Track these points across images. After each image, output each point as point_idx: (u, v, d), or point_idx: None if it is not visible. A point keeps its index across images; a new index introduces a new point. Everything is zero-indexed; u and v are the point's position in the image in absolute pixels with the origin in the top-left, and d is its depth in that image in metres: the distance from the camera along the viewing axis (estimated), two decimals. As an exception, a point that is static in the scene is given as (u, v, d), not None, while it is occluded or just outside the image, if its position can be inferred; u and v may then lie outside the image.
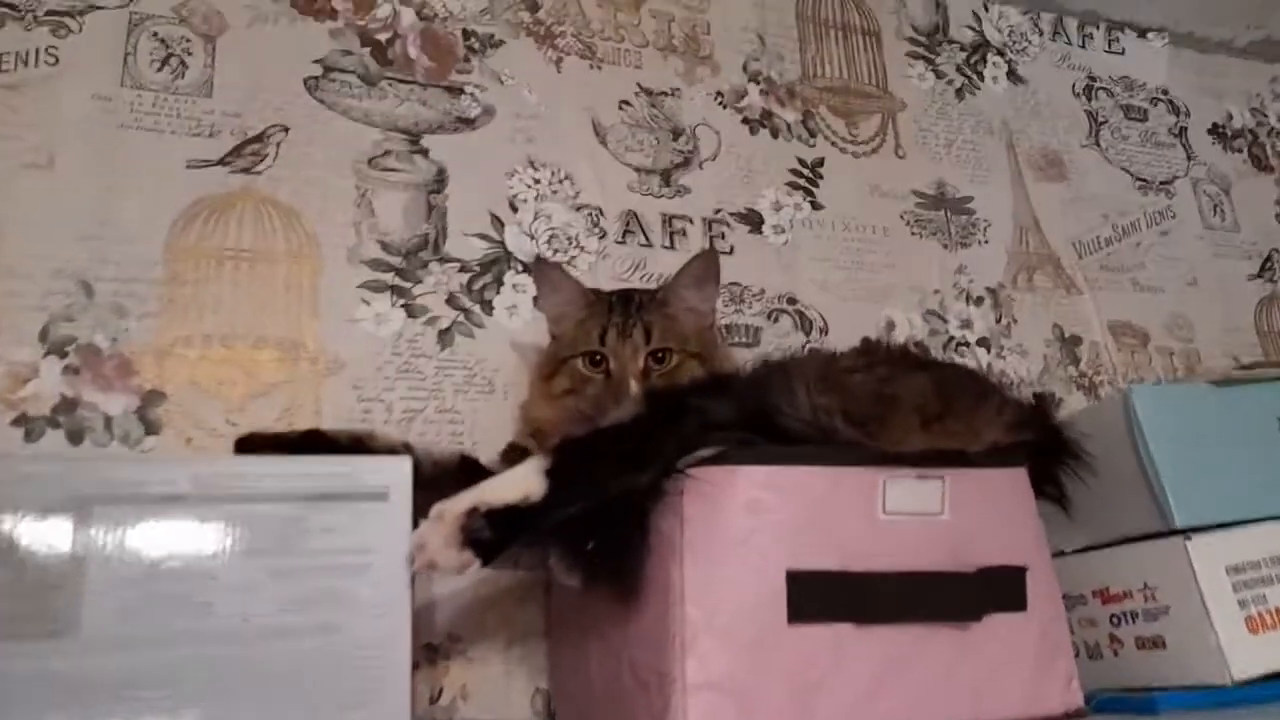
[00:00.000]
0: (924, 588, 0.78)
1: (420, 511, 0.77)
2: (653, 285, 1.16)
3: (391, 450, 0.90)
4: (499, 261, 1.20)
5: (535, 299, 1.16)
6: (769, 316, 1.30)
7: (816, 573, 0.75)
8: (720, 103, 1.41)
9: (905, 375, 0.85)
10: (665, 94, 1.38)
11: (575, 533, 0.76)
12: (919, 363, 0.98)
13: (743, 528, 0.75)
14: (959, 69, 1.59)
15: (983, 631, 0.79)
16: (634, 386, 0.93)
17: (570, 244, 1.24)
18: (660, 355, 0.96)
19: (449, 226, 1.18)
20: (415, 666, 0.95)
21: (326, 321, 1.09)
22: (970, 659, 0.78)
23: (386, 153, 1.19)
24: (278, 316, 1.08)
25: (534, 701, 1.04)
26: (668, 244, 1.28)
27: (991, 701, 0.77)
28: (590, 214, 1.26)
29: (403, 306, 1.13)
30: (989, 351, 1.40)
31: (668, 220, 1.30)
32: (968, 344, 1.39)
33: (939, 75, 1.58)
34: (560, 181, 1.26)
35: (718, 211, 1.33)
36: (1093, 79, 1.70)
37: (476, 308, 1.16)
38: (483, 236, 1.20)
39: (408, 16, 1.27)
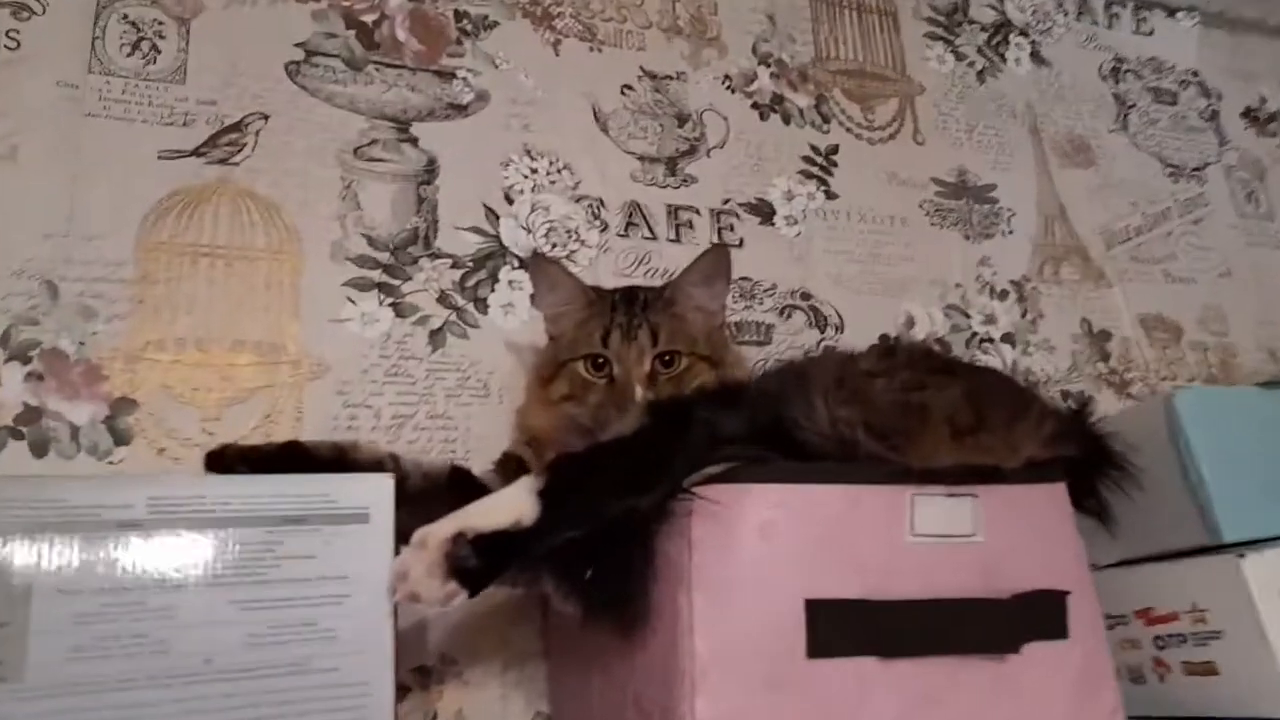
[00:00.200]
0: (956, 617, 0.72)
1: (407, 530, 0.71)
2: (657, 282, 1.12)
3: (377, 462, 0.85)
4: (494, 257, 1.14)
5: (532, 297, 1.10)
6: (781, 313, 1.24)
7: (837, 602, 0.70)
8: (728, 87, 1.36)
9: (933, 382, 0.78)
10: (670, 78, 1.33)
11: (572, 559, 0.70)
12: (945, 366, 0.91)
13: (756, 552, 0.70)
14: (980, 50, 1.54)
15: (1021, 663, 0.73)
16: (640, 392, 0.87)
17: (569, 237, 1.18)
18: (668, 358, 0.90)
19: (440, 220, 1.13)
20: (406, 691, 0.92)
21: (309, 322, 1.04)
22: (1007, 693, 0.72)
23: (373, 142, 1.14)
24: (257, 317, 1.02)
25: (533, 727, 0.98)
26: (673, 237, 1.23)
27: (1030, 739, 0.72)
28: (591, 205, 1.21)
29: (391, 305, 1.07)
30: (1014, 348, 1.34)
31: (673, 212, 1.24)
32: (991, 340, 1.34)
33: (959, 57, 1.52)
34: (559, 171, 1.21)
35: (726, 202, 1.28)
36: (1120, 60, 1.65)
37: (470, 306, 1.11)
38: (476, 230, 1.15)
39: (396, -4, 1.22)
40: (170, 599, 0.65)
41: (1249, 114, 1.69)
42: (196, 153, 1.06)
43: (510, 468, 0.91)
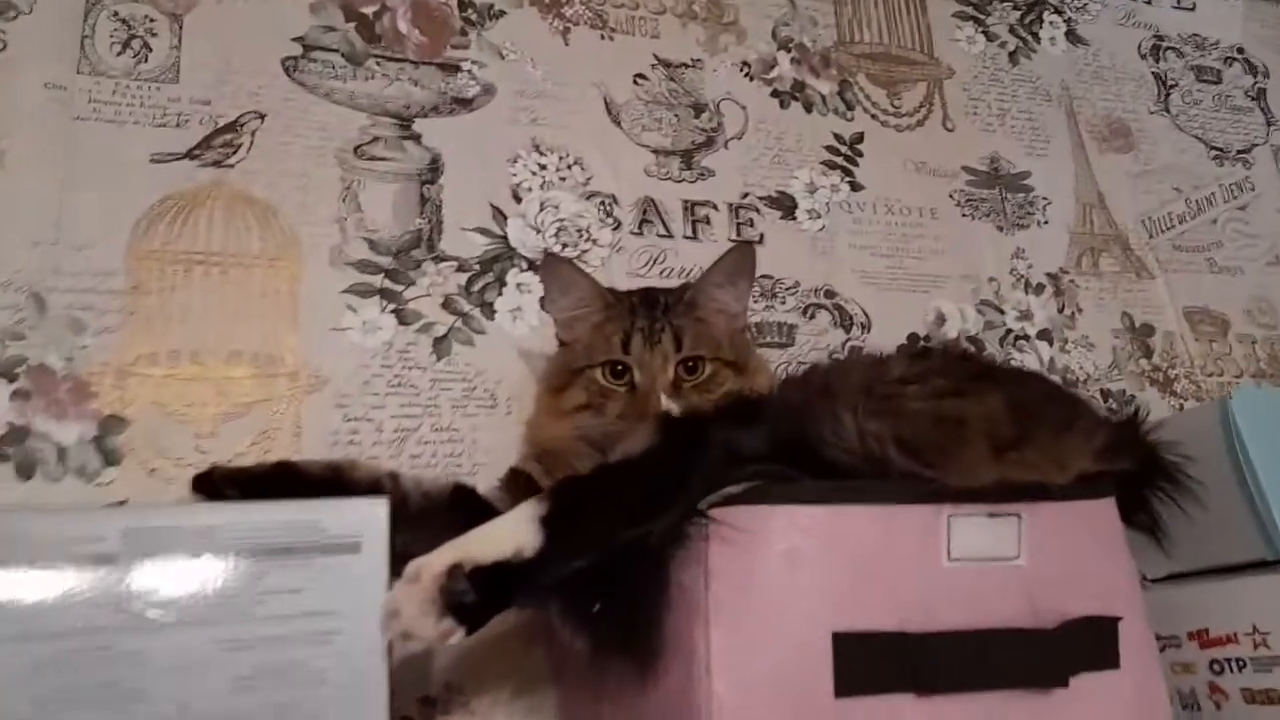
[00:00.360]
0: (999, 649, 0.67)
1: (408, 554, 0.66)
2: (674, 283, 1.07)
3: (374, 482, 0.81)
4: (501, 259, 1.09)
5: (541, 300, 1.06)
6: (804, 312, 1.19)
7: (869, 634, 0.65)
8: (747, 74, 1.31)
9: (970, 389, 0.72)
10: (685, 66, 1.28)
11: (579, 590, 0.65)
12: (983, 371, 0.85)
13: (779, 581, 0.65)
14: (1012, 30, 1.48)
15: (1069, 697, 0.68)
16: (665, 401, 0.82)
17: (581, 237, 1.13)
18: (691, 364, 0.86)
19: (445, 221, 1.09)
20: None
21: (308, 332, 0.99)
22: (1055, 731, 0.67)
23: (374, 139, 1.10)
24: (253, 327, 0.98)
25: (546, 758, 0.93)
26: (690, 234, 1.18)
27: (1082, 779, 0.67)
28: (603, 203, 1.16)
29: (393, 312, 1.03)
30: (1051, 345, 1.28)
31: (689, 207, 1.19)
32: (1027, 337, 1.28)
33: (990, 37, 1.46)
34: (569, 167, 1.16)
35: (745, 196, 1.23)
36: (1160, 38, 1.58)
37: (476, 312, 1.06)
38: (483, 231, 1.10)
39: (397, -13, 1.18)
40: (143, 642, 0.61)
41: (1297, 92, 1.62)
42: (190, 155, 1.02)
43: (518, 484, 0.86)
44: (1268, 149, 1.55)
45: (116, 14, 1.05)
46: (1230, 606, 0.84)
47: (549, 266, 0.96)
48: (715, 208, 1.20)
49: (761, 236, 1.21)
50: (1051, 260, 1.34)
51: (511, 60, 1.19)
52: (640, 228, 1.16)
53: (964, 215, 1.32)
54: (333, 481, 0.79)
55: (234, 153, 1.04)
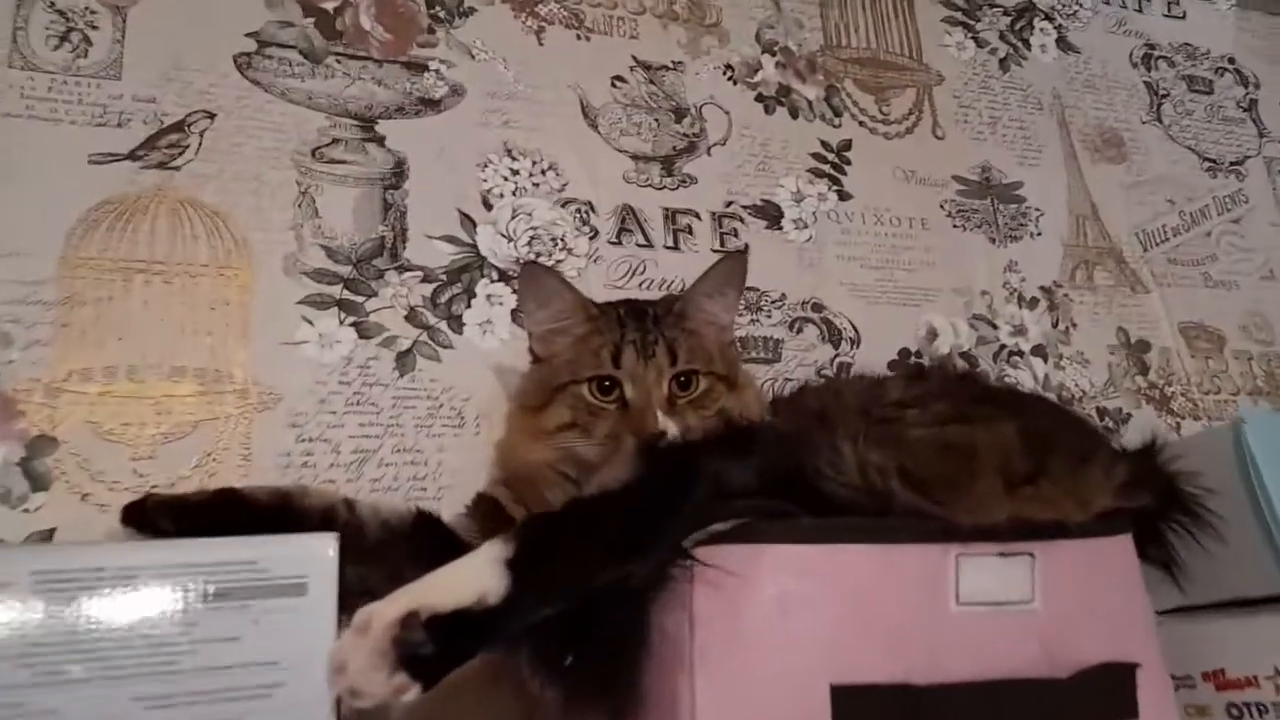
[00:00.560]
0: (1011, 701, 0.62)
1: (365, 590, 0.61)
2: (655, 295, 1.01)
3: (328, 510, 0.75)
4: (470, 269, 1.03)
5: (514, 312, 1.01)
6: (791, 326, 1.14)
7: (869, 687, 0.60)
8: (730, 78, 1.27)
9: (977, 414, 0.67)
10: (666, 68, 1.23)
11: (550, 636, 0.59)
12: (986, 394, 0.80)
13: (771, 628, 0.60)
14: (1002, 36, 1.45)
15: None
16: (660, 418, 0.77)
17: (555, 246, 1.08)
18: (685, 379, 0.81)
19: (409, 228, 1.03)
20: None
21: (259, 346, 0.93)
22: (1070, 787, 0.62)
23: (334, 142, 1.03)
24: (199, 341, 0.91)
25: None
26: (671, 244, 1.13)
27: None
28: (579, 210, 1.11)
29: (353, 325, 0.97)
30: (1045, 361, 1.24)
31: (670, 216, 1.14)
32: (1021, 353, 1.23)
33: (980, 44, 1.43)
34: (543, 172, 1.11)
35: (729, 204, 1.18)
36: (1151, 46, 1.55)
37: (443, 325, 1.00)
38: (450, 239, 1.04)
39: (361, -19, 1.12)
40: (57, 699, 0.53)
41: (1289, 103, 1.59)
42: (132, 156, 0.95)
43: (486, 513, 0.80)
44: (1260, 161, 1.52)
45: (53, 4, 0.98)
46: (1250, 646, 0.78)
47: (530, 276, 0.88)
48: (698, 216, 1.15)
49: (746, 247, 1.15)
50: (1045, 273, 1.30)
51: (482, 60, 1.13)
52: (619, 237, 1.11)
53: (955, 226, 1.28)
54: (281, 511, 0.72)
55: (180, 154, 0.97)
